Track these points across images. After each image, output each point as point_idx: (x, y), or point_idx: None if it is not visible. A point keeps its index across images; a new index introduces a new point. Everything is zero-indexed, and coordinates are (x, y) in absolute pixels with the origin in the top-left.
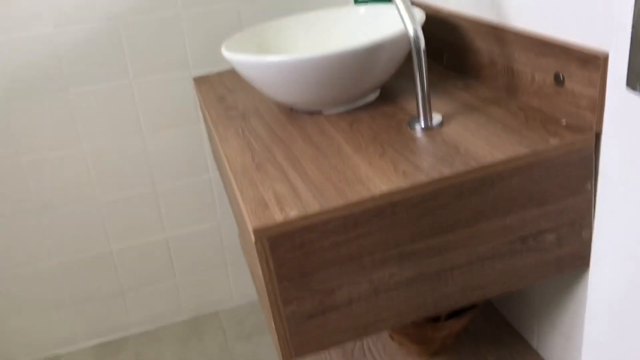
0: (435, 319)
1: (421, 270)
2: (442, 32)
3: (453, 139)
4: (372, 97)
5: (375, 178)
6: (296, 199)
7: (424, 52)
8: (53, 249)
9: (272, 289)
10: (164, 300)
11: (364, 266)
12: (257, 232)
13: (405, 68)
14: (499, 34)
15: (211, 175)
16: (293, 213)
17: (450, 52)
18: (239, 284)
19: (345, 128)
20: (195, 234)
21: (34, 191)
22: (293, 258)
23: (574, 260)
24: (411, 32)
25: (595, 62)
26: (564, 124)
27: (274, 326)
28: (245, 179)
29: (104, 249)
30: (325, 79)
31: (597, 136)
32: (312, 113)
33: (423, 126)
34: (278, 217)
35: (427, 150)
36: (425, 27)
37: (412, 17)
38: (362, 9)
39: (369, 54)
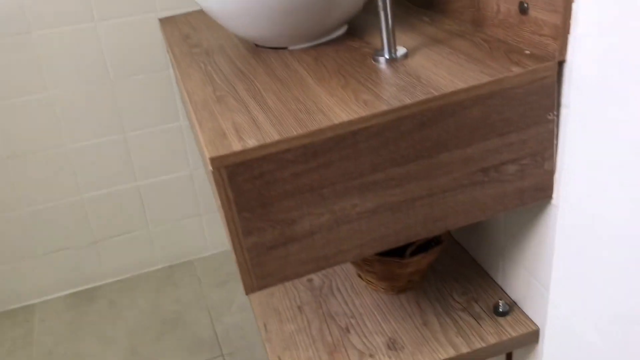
0: (401, 256)
1: (383, 201)
2: None
3: (416, 70)
4: (339, 32)
5: (336, 108)
6: (255, 129)
7: None
8: (22, 198)
9: (231, 219)
10: (137, 250)
11: (325, 197)
12: (214, 160)
13: (373, 5)
14: None
15: (182, 123)
16: (251, 142)
17: None
18: (214, 233)
19: (309, 62)
20: (168, 182)
21: (0, 139)
22: (252, 188)
23: (537, 192)
24: None
25: None
26: (528, 53)
27: (236, 258)
28: (205, 111)
29: (75, 197)
30: (289, 8)
31: (560, 65)
32: (277, 49)
33: (387, 58)
34: (236, 146)
35: (389, 81)
36: None
37: None
38: None
39: None
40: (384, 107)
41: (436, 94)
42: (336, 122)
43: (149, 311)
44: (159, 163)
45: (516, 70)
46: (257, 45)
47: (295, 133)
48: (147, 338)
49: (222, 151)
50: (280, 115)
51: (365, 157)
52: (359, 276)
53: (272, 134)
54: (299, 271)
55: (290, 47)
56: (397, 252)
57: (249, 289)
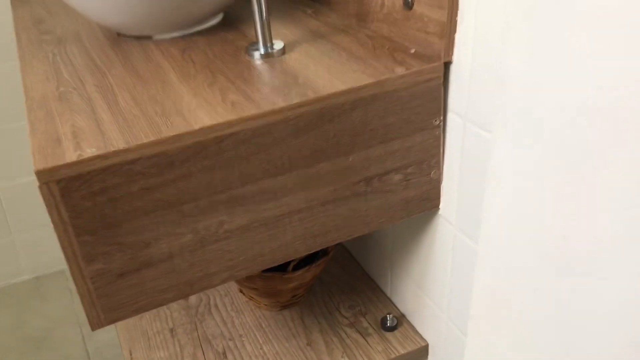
0: (283, 270)
1: (255, 216)
2: None
3: (293, 68)
4: (213, 21)
5: (199, 110)
6: (98, 135)
7: None
8: None
9: (68, 244)
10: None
11: (186, 214)
12: (42, 174)
13: None
14: None
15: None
16: (91, 151)
17: None
18: None
19: (175, 55)
20: (29, 185)
21: None
22: (93, 206)
23: (423, 202)
24: None
25: None
26: (413, 52)
27: (77, 288)
28: (42, 111)
29: None
30: None
31: (447, 66)
32: (141, 38)
33: (262, 52)
34: (71, 155)
35: (262, 80)
36: None
37: None
38: None
39: None
40: (253, 111)
41: (313, 96)
42: (197, 127)
43: (10, 329)
44: (17, 164)
45: (400, 71)
46: (119, 34)
47: (145, 140)
48: None
49: (53, 162)
50: (131, 118)
51: (233, 167)
52: (240, 291)
53: (117, 141)
54: (157, 301)
55: (156, 37)
56: (280, 266)
57: (95, 324)
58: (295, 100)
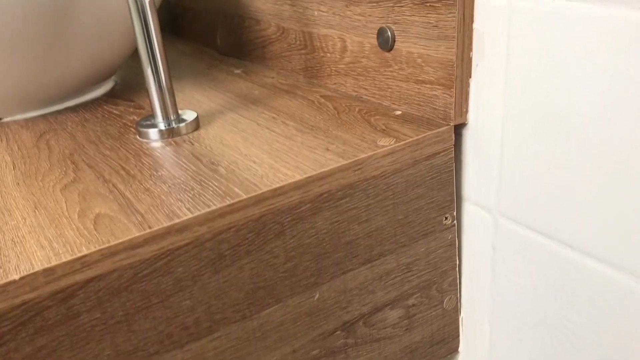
0: None
1: None
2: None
3: (211, 150)
4: (96, 92)
5: (31, 238)
6: None
7: (150, 4)
8: None
9: None
10: None
11: None
12: None
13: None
14: None
15: None
16: None
17: (225, 25)
18: None
19: (27, 141)
20: None
21: None
22: None
23: (436, 347)
24: None
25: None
26: (399, 114)
27: None
28: None
29: None
30: None
31: (458, 131)
32: None
33: (162, 129)
34: None
35: (158, 172)
36: None
37: None
38: None
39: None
40: (134, 232)
41: (245, 195)
42: (17, 277)
43: None
44: None
45: (386, 143)
46: None
47: None
48: None
49: None
50: None
51: (99, 339)
52: None
53: None
54: None
55: (5, 119)
56: None
57: None
58: (213, 205)
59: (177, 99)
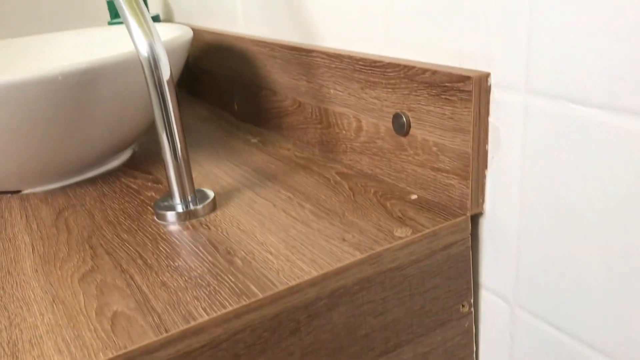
0: None
1: None
2: (231, 66)
3: (227, 235)
4: (113, 163)
5: (49, 338)
6: None
7: (168, 83)
8: None
9: None
10: None
11: None
12: None
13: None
14: (306, 58)
15: None
16: None
17: (242, 93)
18: None
19: (46, 219)
20: None
21: None
22: None
23: None
24: (143, 50)
25: (468, 85)
26: (415, 198)
27: None
28: None
29: None
30: (8, 138)
31: (475, 220)
32: (6, 193)
33: (180, 211)
34: None
35: (176, 262)
36: (205, 60)
37: (147, 27)
38: (115, 29)
39: (76, 85)
40: (152, 337)
41: (262, 294)
42: None
43: None
44: None
45: (403, 234)
46: None
47: None
48: None
49: None
50: None
51: None
52: None
53: None
54: None
55: (25, 191)
56: None
57: None
58: (230, 306)
59: (195, 173)
